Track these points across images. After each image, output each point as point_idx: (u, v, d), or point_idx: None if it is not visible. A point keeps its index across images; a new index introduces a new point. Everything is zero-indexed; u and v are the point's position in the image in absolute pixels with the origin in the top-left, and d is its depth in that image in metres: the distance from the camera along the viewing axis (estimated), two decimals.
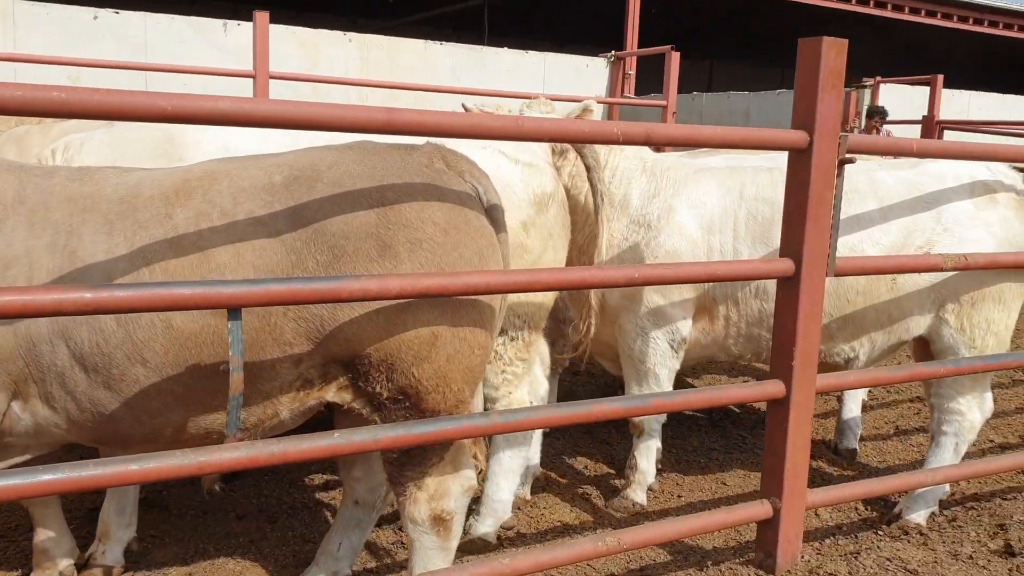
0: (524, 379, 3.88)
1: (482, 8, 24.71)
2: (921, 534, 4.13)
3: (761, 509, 3.53)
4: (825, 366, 4.28)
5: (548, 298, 3.85)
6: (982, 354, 4.16)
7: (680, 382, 6.61)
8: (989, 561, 3.67)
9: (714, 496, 4.74)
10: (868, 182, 4.14)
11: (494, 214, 3.09)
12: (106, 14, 9.79)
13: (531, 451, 4.43)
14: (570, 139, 2.91)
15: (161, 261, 2.67)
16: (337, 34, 10.89)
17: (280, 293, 2.46)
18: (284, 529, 4.09)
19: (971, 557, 3.72)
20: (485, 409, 3.90)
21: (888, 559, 3.67)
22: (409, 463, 2.96)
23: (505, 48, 12.22)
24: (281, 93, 10.29)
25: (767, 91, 17.25)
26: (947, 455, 4.31)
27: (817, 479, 5.01)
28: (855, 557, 3.68)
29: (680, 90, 13.38)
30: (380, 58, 11.10)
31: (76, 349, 2.64)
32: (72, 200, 2.73)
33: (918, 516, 4.30)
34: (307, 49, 10.72)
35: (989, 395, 4.40)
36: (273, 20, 8.69)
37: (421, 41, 11.45)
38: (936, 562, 3.67)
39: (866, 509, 4.60)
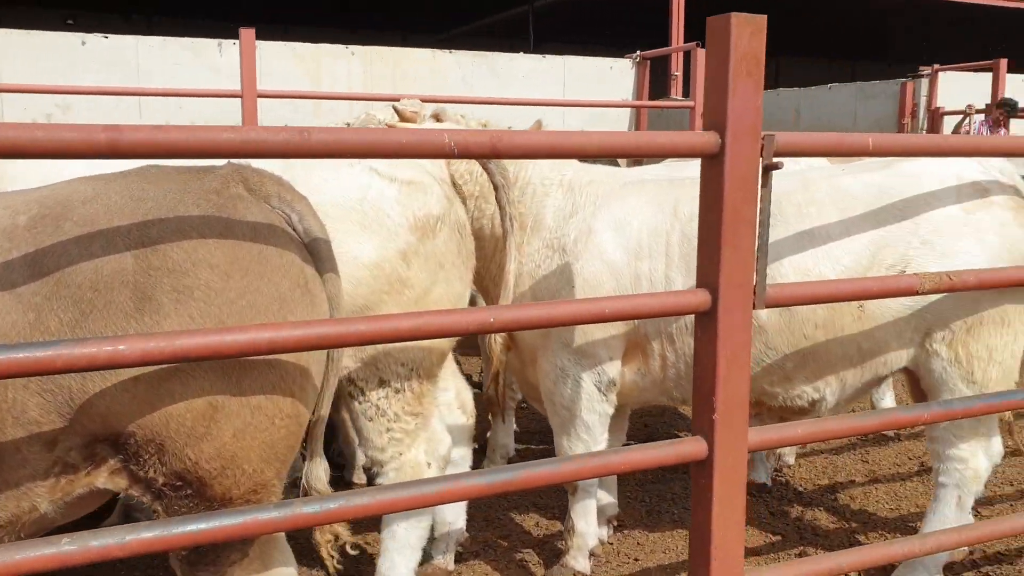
0: (418, 436, 3.29)
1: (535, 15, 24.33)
2: None
3: None
4: (787, 411, 3.60)
5: (441, 341, 3.26)
6: (984, 388, 3.42)
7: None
8: None
9: (679, 559, 4.06)
10: (828, 190, 3.44)
11: (316, 248, 2.52)
12: (95, 39, 9.56)
13: (453, 514, 3.84)
14: (380, 153, 2.34)
15: None
16: (339, 48, 10.47)
17: None
18: None
19: None
20: (373, 475, 3.34)
21: None
22: (201, 562, 2.41)
23: (520, 53, 11.65)
24: (280, 112, 9.95)
25: (817, 86, 16.38)
26: (949, 511, 3.56)
27: (807, 534, 4.29)
28: None
29: None
30: (385, 71, 10.64)
31: None
32: None
33: None
34: (307, 64, 10.32)
35: (997, 438, 3.65)
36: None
37: (428, 51, 10.96)
38: None
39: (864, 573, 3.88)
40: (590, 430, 3.64)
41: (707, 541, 2.83)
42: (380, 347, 3.11)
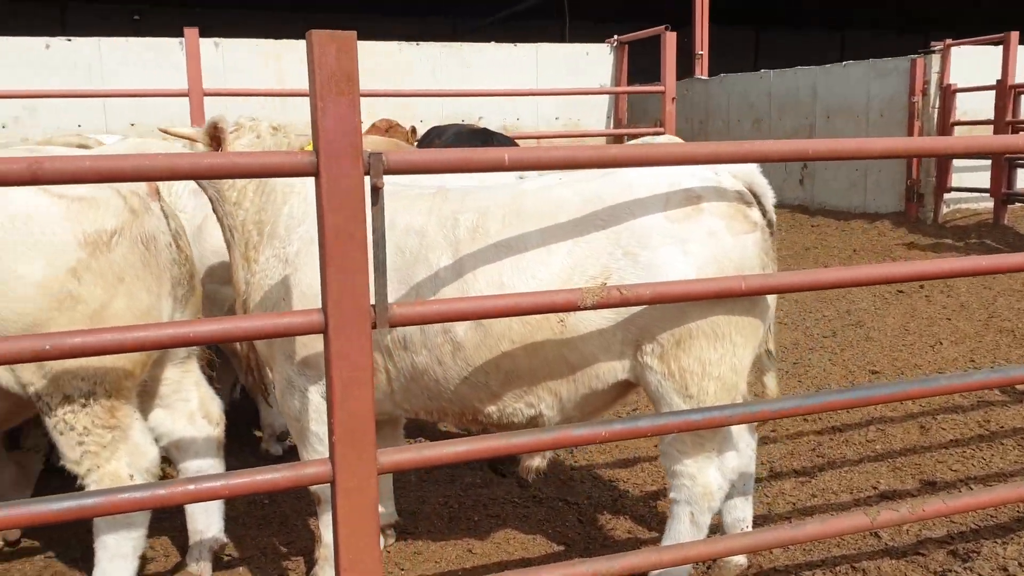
0: (117, 449, 3.34)
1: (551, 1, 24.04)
2: None
3: None
4: (509, 428, 3.51)
5: (125, 359, 3.28)
6: (701, 403, 3.28)
7: None
8: None
9: (448, 568, 4.03)
10: (537, 201, 3.32)
11: None
12: (58, 42, 9.85)
13: (204, 522, 3.88)
14: None
15: None
16: (300, 43, 10.55)
17: None
18: None
19: None
20: (78, 483, 3.40)
21: None
22: None
23: (491, 43, 11.53)
24: (246, 109, 10.08)
25: (833, 64, 15.74)
26: (683, 528, 3.44)
27: (595, 545, 4.20)
28: None
29: (730, 68, 12.71)
30: None
31: None
32: None
33: None
34: (270, 61, 10.45)
35: (732, 453, 3.50)
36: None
37: (394, 43, 10.94)
38: None
39: None
40: (324, 442, 3.63)
41: (338, 563, 2.80)
42: (58, 363, 3.16)
